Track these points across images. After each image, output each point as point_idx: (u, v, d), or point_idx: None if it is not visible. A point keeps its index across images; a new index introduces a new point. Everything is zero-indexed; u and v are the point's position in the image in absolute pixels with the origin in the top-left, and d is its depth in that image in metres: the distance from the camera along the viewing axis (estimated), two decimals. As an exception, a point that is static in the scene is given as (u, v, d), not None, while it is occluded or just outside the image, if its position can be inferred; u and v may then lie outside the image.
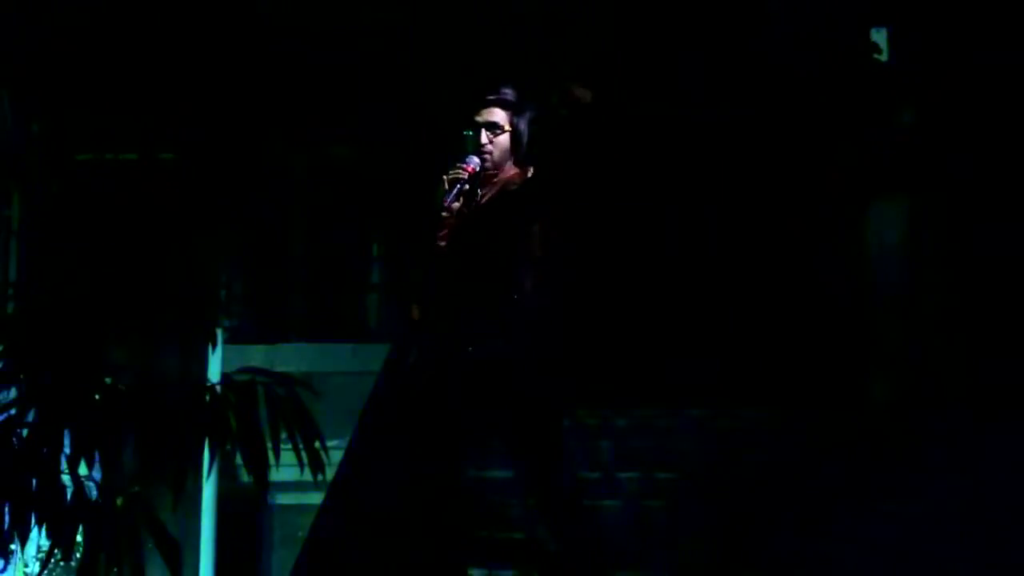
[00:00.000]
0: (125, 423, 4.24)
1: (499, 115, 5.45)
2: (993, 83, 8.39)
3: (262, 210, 7.47)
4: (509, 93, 5.48)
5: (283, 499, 8.04)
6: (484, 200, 5.44)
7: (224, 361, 7.45)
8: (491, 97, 5.45)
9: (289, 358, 7.77)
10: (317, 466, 4.14)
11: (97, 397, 4.24)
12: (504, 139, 5.43)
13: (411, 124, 8.03)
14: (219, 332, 7.65)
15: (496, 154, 5.44)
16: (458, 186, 5.33)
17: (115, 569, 4.15)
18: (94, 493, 4.15)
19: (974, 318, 8.11)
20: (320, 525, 4.87)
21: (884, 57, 8.39)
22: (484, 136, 5.40)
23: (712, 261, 8.77)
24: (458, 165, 5.37)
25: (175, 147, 4.26)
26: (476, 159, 5.39)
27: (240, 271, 7.55)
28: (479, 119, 5.43)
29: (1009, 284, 8.50)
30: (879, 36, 8.43)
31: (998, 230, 8.36)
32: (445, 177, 5.35)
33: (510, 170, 5.49)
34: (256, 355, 7.65)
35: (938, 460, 7.05)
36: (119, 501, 4.19)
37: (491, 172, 5.45)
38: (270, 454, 4.23)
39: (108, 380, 4.36)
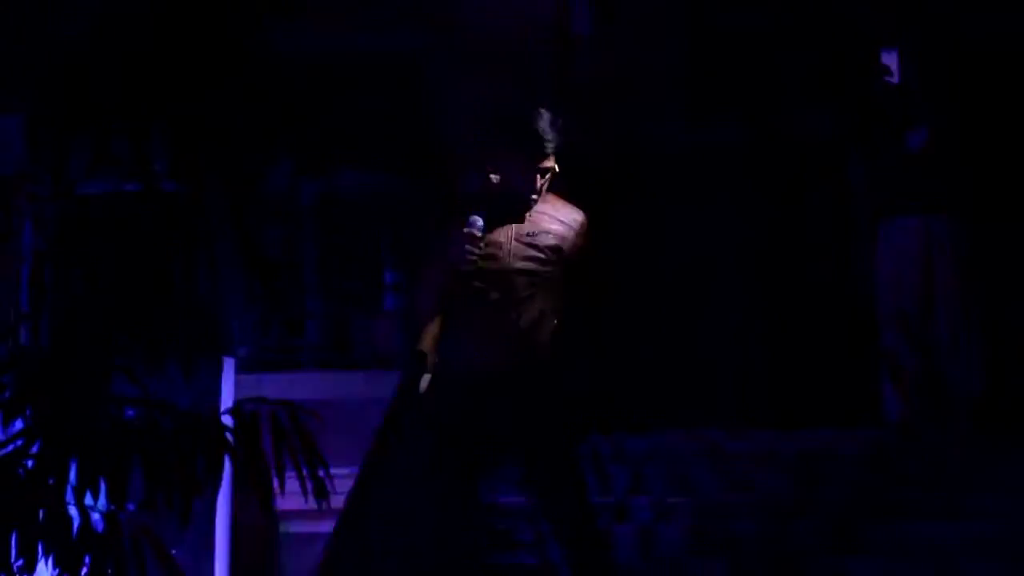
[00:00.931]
0: (131, 453, 4.25)
1: (552, 160, 5.42)
2: (1004, 102, 8.40)
3: (273, 238, 7.50)
4: (553, 132, 5.41)
5: (296, 527, 8.06)
6: (533, 232, 5.43)
7: (237, 390, 7.48)
8: (548, 144, 5.37)
9: (303, 386, 7.79)
10: (321, 494, 4.15)
11: (103, 427, 4.26)
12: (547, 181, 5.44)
13: (422, 151, 8.07)
14: (232, 361, 7.69)
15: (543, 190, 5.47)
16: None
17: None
18: (100, 523, 4.16)
19: (987, 335, 8.10)
20: (329, 554, 4.87)
21: (895, 79, 8.39)
22: (539, 181, 5.37)
23: (724, 281, 8.78)
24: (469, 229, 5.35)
25: (181, 176, 4.27)
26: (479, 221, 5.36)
27: (252, 300, 7.57)
28: (541, 165, 5.37)
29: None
30: (889, 58, 8.43)
31: (1010, 249, 8.37)
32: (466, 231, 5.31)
33: (544, 199, 5.50)
34: (269, 384, 7.67)
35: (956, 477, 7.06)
36: (125, 531, 4.20)
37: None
38: (276, 482, 4.24)
39: (116, 410, 4.37)
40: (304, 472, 4.17)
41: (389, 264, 8.04)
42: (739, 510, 6.89)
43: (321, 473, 4.24)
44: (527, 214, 5.44)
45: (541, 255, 5.37)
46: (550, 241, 5.40)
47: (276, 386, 7.61)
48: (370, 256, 8.08)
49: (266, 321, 7.73)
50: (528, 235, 5.40)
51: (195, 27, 4.80)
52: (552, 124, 5.37)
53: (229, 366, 7.48)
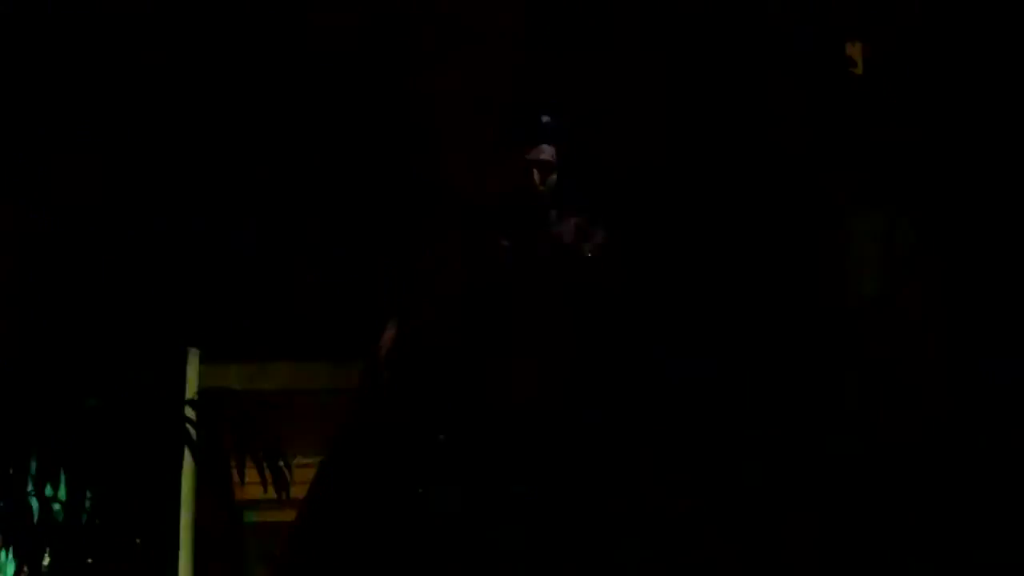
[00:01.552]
0: (92, 444, 4.27)
1: (548, 151, 4.99)
2: (970, 95, 8.45)
3: (236, 230, 7.50)
4: (553, 123, 5.03)
5: (262, 518, 8.06)
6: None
7: (202, 380, 7.47)
8: (537, 131, 4.99)
9: (268, 376, 7.78)
10: (281, 484, 4.18)
11: (64, 418, 4.28)
12: (554, 179, 4.99)
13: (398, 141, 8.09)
14: (197, 351, 7.68)
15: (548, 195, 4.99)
16: None
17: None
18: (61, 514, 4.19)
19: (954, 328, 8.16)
20: (289, 544, 4.89)
21: (859, 70, 8.42)
22: (536, 175, 4.96)
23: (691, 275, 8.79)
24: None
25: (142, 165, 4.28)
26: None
27: (217, 291, 7.57)
28: (528, 157, 4.95)
29: (990, 293, 8.55)
30: (854, 50, 8.47)
31: (978, 239, 8.42)
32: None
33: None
34: (235, 374, 7.66)
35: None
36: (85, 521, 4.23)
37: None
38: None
39: (77, 401, 4.39)
40: (264, 463, 4.20)
41: (359, 256, 8.04)
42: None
43: (282, 464, 4.27)
44: (544, 224, 5.04)
45: (572, 269, 5.02)
46: (578, 255, 5.03)
47: (242, 376, 7.61)
48: (339, 249, 8.08)
49: (230, 311, 7.73)
50: (557, 248, 5.04)
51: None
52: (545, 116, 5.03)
53: (193, 356, 7.47)
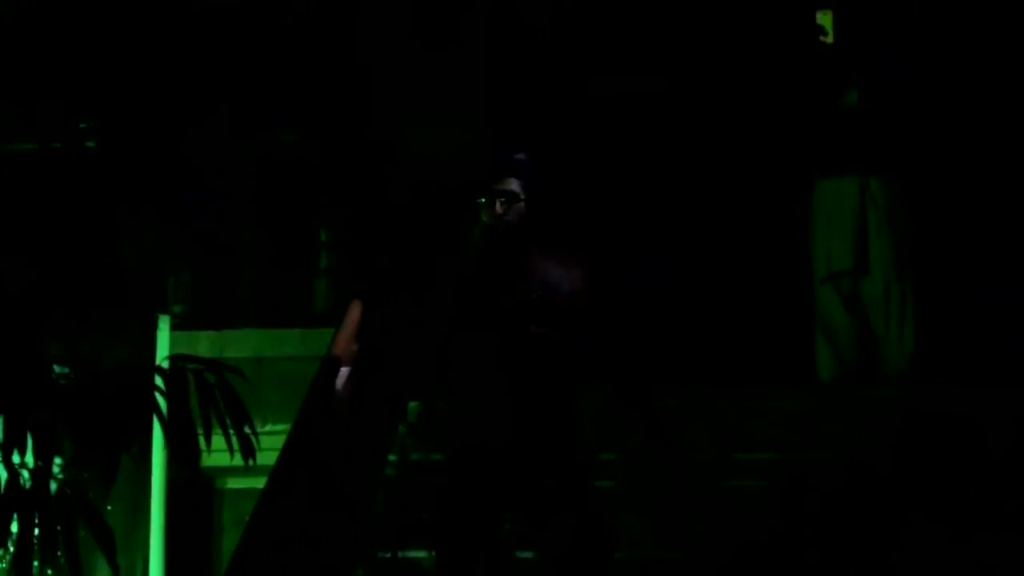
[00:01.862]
0: (59, 410, 4.27)
1: (514, 184, 5.11)
2: (940, 65, 8.47)
3: (208, 197, 7.50)
4: (523, 159, 5.15)
5: (233, 484, 8.09)
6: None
7: (173, 348, 7.49)
8: (504, 165, 5.12)
9: (237, 344, 7.80)
10: (247, 451, 4.18)
11: (30, 384, 4.28)
12: (520, 208, 5.10)
13: (360, 112, 8.08)
14: (167, 319, 7.70)
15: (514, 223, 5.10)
16: None
17: (50, 556, 4.19)
18: (27, 481, 4.18)
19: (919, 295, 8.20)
20: (256, 515, 4.91)
21: (830, 39, 8.44)
22: (499, 206, 5.06)
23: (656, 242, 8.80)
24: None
25: (105, 135, 4.27)
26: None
27: (187, 258, 7.57)
28: (494, 187, 5.08)
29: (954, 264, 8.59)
30: (825, 19, 8.48)
31: (943, 209, 8.46)
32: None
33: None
34: (204, 341, 7.68)
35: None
36: (53, 488, 4.23)
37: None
38: (202, 440, 4.28)
39: (44, 367, 4.39)
40: (230, 430, 4.20)
41: (325, 222, 8.05)
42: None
43: (248, 430, 4.27)
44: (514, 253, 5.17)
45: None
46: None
47: (212, 344, 7.64)
48: (306, 214, 8.09)
49: (200, 279, 7.74)
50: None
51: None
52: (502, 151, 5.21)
53: (164, 324, 7.48)
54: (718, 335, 8.76)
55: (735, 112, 8.85)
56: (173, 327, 7.62)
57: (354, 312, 6.43)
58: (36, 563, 4.16)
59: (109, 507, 5.53)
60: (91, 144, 4.29)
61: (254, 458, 4.18)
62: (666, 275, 8.77)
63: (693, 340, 8.64)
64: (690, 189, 8.89)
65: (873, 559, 6.17)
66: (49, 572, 5.98)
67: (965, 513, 6.43)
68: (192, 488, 7.90)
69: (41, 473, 4.19)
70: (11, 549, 4.10)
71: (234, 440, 4.23)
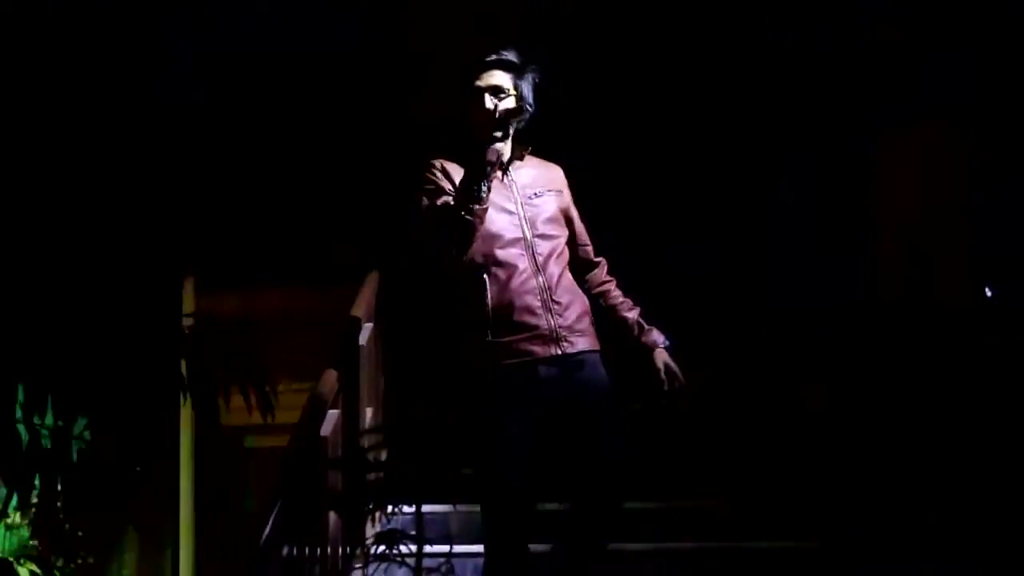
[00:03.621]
0: (80, 373, 4.30)
1: (503, 77, 5.03)
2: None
3: (231, 158, 7.53)
4: (511, 54, 5.07)
5: (261, 443, 8.13)
6: (528, 196, 5.10)
7: (197, 308, 7.49)
8: (491, 59, 5.03)
9: (262, 303, 7.80)
10: (266, 408, 4.21)
11: (52, 347, 4.30)
12: (510, 103, 5.00)
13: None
14: (191, 280, 7.73)
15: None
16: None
17: (72, 515, 4.23)
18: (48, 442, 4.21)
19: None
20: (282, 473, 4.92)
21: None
22: (488, 101, 4.98)
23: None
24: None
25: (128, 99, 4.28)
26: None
27: (211, 219, 7.59)
28: (479, 83, 5.01)
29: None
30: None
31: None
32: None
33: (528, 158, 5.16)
34: (229, 301, 7.68)
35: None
36: (75, 449, 4.26)
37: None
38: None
39: (65, 329, 4.42)
40: (250, 388, 4.23)
41: (352, 182, 8.05)
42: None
43: (268, 389, 4.30)
44: (509, 171, 5.09)
45: (551, 216, 5.11)
46: (552, 206, 5.12)
47: (237, 304, 7.65)
48: (331, 174, 8.09)
49: (224, 240, 7.76)
50: (533, 196, 5.10)
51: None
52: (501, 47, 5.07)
53: (189, 285, 7.51)
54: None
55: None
56: (197, 288, 7.63)
57: (374, 274, 6.46)
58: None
59: (137, 466, 5.54)
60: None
61: (273, 416, 4.20)
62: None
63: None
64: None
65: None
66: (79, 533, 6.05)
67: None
68: (219, 447, 7.94)
69: (62, 434, 4.22)
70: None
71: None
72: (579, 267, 5.22)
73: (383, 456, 5.94)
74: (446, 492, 5.41)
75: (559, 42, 7.87)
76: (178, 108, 7.00)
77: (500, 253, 4.95)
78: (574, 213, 5.23)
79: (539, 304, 4.94)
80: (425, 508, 5.57)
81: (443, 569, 5.49)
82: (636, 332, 5.17)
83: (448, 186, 4.97)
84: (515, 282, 4.93)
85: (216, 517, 8.07)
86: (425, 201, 4.99)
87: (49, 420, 4.13)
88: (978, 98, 7.31)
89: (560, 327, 4.94)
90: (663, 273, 7.84)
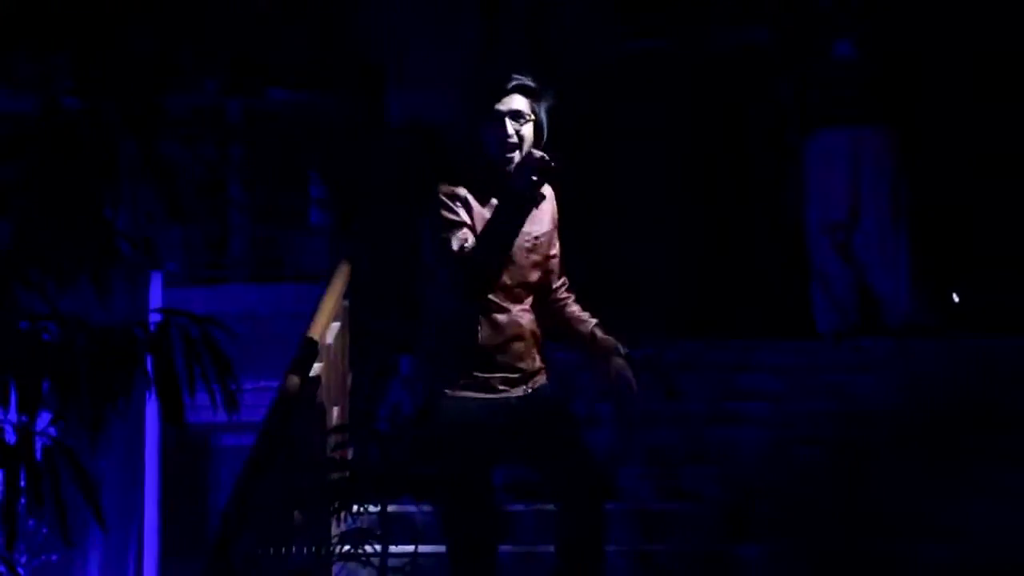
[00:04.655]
0: (43, 365, 4.25)
1: (522, 102, 4.98)
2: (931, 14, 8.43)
3: (199, 152, 7.49)
4: (529, 79, 5.02)
5: (226, 441, 8.11)
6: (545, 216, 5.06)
7: (165, 304, 7.46)
8: (512, 84, 4.98)
9: (231, 300, 7.78)
10: (231, 405, 4.18)
11: (13, 340, 4.26)
12: (529, 130, 4.98)
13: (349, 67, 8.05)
14: (159, 276, 7.70)
15: (525, 146, 4.97)
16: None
17: (37, 511, 4.18)
18: (11, 436, 4.17)
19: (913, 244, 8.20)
20: (244, 472, 4.90)
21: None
22: (509, 126, 4.94)
23: (654, 194, 8.77)
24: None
25: (83, 92, 4.24)
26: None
27: (179, 214, 7.55)
28: (500, 107, 4.95)
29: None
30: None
31: (935, 159, 8.44)
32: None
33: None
34: (197, 298, 7.67)
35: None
36: (39, 444, 4.22)
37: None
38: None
39: (28, 324, 4.37)
40: (214, 386, 4.19)
41: (315, 179, 8.03)
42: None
43: (233, 387, 4.26)
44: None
45: (546, 256, 5.07)
46: (547, 248, 5.07)
47: (204, 300, 7.62)
48: (297, 171, 8.07)
49: (193, 235, 7.73)
50: (534, 240, 5.03)
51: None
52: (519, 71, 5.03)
53: (156, 281, 7.48)
54: (715, 287, 8.77)
55: (730, 63, 8.82)
56: (166, 284, 7.61)
57: (342, 273, 6.43)
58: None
59: (103, 463, 5.53)
60: (69, 103, 4.24)
61: (238, 413, 4.16)
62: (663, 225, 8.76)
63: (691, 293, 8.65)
64: (686, 137, 8.85)
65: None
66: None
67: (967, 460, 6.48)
68: (185, 445, 7.92)
69: (25, 428, 4.17)
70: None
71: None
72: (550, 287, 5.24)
73: (349, 455, 5.93)
74: (412, 491, 5.41)
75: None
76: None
77: (496, 296, 4.95)
78: (556, 238, 5.18)
79: (523, 349, 4.96)
80: (391, 508, 5.58)
81: (407, 569, 5.49)
82: (594, 340, 5.16)
83: (467, 219, 4.93)
84: (507, 326, 4.93)
85: (182, 515, 8.05)
86: (443, 235, 4.92)
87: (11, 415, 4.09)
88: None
89: (534, 368, 4.99)
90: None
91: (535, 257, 5.01)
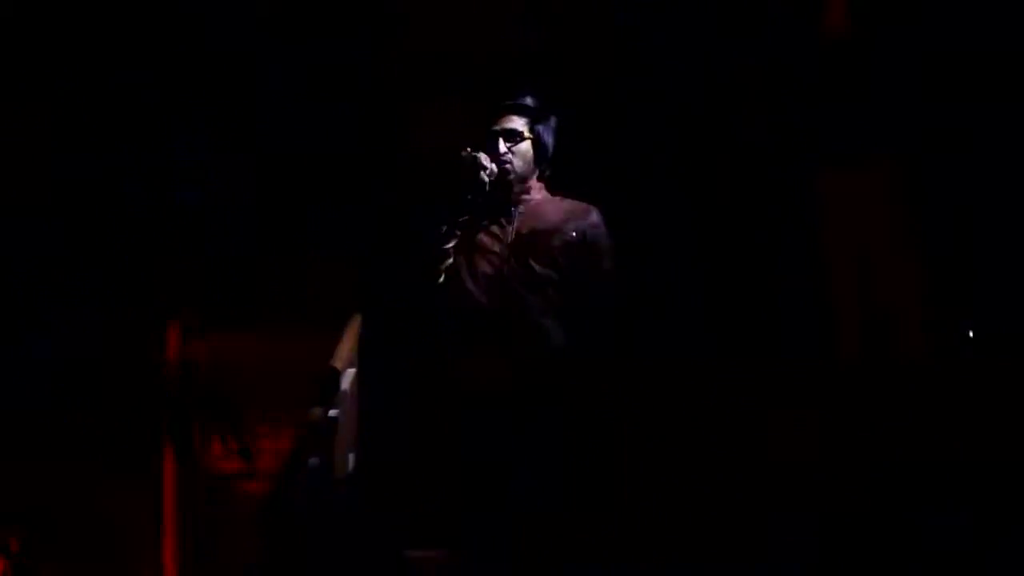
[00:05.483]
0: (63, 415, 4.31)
1: (517, 122, 5.21)
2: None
3: (207, 200, 7.54)
4: (528, 99, 5.23)
5: (242, 486, 8.09)
6: (526, 233, 5.16)
7: (179, 350, 7.47)
8: (508, 103, 5.21)
9: (243, 345, 7.77)
10: (245, 457, 4.21)
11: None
12: (525, 148, 5.18)
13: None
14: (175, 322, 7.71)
15: (518, 164, 5.19)
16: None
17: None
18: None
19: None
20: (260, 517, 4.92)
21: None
22: (502, 145, 5.14)
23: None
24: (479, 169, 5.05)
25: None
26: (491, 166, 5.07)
27: (190, 263, 7.61)
28: (495, 127, 5.17)
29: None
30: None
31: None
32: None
33: (537, 191, 5.26)
34: (209, 344, 7.64)
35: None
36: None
37: (515, 187, 5.20)
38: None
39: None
40: (228, 437, 4.24)
41: (335, 226, 8.07)
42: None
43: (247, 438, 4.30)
44: (517, 208, 5.19)
45: (546, 259, 5.18)
46: (557, 242, 5.19)
47: (217, 346, 7.62)
48: (317, 216, 8.11)
49: (204, 282, 7.77)
50: (528, 234, 5.19)
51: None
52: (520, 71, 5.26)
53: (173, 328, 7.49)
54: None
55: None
56: (181, 330, 7.61)
57: (355, 321, 6.45)
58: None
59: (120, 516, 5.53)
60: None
61: (252, 462, 4.21)
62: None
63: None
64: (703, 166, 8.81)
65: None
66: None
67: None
68: (205, 494, 7.92)
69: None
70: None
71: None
72: None
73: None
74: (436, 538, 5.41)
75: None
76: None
77: None
78: None
79: None
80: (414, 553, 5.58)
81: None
82: None
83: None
84: None
85: (201, 565, 8.05)
86: None
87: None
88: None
89: None
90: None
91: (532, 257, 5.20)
